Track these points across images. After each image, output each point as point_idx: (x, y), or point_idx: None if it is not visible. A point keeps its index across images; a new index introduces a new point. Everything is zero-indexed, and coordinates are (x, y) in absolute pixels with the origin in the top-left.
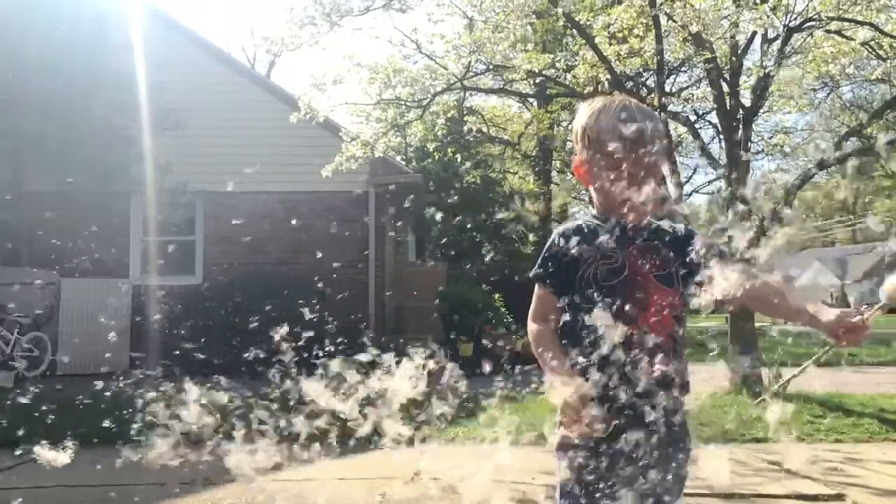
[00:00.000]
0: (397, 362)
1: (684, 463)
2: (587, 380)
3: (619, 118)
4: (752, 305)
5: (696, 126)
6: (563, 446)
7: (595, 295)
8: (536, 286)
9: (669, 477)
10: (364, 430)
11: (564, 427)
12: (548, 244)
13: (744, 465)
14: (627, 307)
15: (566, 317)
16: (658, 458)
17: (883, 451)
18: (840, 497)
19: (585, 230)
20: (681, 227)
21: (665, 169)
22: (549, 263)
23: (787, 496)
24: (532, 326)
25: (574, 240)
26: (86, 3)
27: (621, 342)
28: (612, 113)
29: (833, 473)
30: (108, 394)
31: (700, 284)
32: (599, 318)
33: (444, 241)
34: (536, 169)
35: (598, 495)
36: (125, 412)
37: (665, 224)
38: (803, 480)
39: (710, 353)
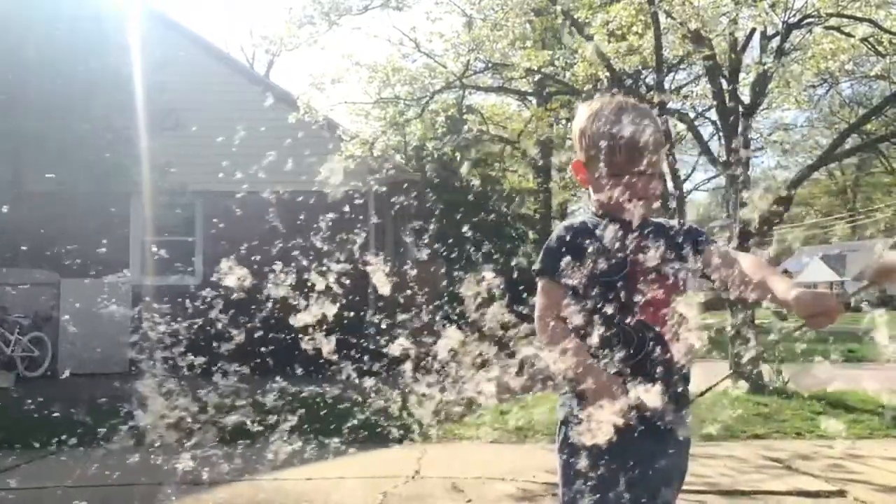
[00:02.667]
0: None
1: (687, 453)
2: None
3: (616, 119)
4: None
5: (696, 123)
6: (570, 444)
7: (598, 292)
8: (542, 282)
9: (678, 465)
10: None
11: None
12: (551, 239)
13: (745, 462)
14: (631, 303)
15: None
16: (669, 447)
17: (884, 447)
18: (841, 493)
19: (587, 228)
20: (678, 223)
21: (663, 167)
22: (555, 257)
23: (789, 493)
24: (544, 323)
25: (577, 236)
26: (85, 3)
27: (627, 338)
28: (610, 114)
29: (834, 470)
30: (108, 394)
31: (706, 277)
32: (605, 315)
33: (443, 239)
34: (535, 166)
35: (605, 487)
36: (126, 413)
37: (663, 221)
38: (804, 477)
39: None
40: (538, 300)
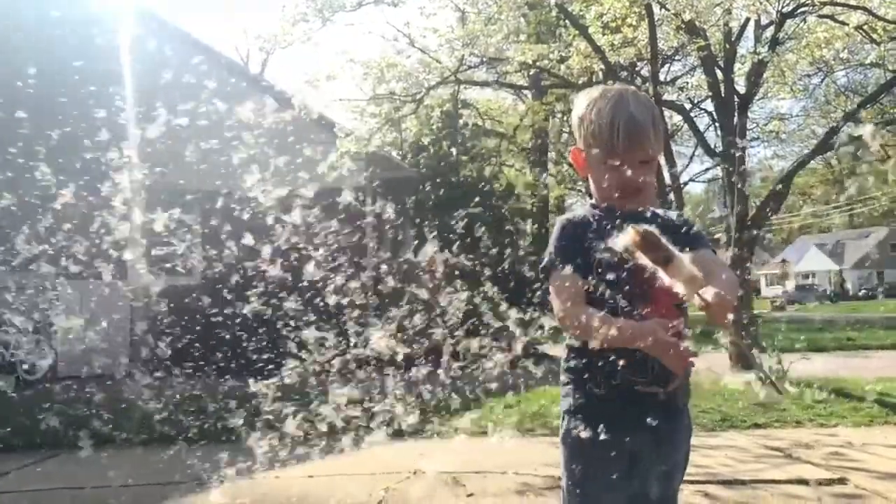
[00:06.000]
0: None
1: (689, 442)
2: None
3: (616, 107)
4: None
5: (692, 114)
6: (575, 431)
7: (601, 284)
8: (557, 277)
9: (680, 456)
10: None
11: (674, 367)
12: (556, 233)
13: (745, 452)
14: (633, 295)
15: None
16: (671, 438)
17: (884, 434)
18: (842, 481)
19: (588, 220)
20: (675, 215)
21: (661, 158)
22: (564, 251)
23: (789, 481)
24: (571, 315)
25: (579, 229)
26: (84, 5)
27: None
28: (609, 102)
29: (834, 458)
30: (108, 397)
31: None
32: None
33: (441, 236)
34: (532, 159)
35: (609, 477)
36: (125, 414)
37: (660, 212)
38: (805, 465)
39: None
40: (556, 296)
